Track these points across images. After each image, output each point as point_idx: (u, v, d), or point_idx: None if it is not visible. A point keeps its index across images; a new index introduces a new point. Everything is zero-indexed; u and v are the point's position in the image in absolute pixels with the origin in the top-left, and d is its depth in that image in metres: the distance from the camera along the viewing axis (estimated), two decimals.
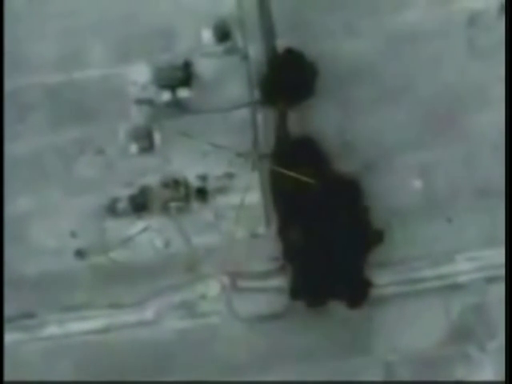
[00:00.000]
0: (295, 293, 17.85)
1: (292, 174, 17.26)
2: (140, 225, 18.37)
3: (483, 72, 18.71)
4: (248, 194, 18.37)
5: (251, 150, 18.28)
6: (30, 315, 18.21)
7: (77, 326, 18.30)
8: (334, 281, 17.61)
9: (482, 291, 18.44)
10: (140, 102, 18.46)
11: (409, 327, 18.29)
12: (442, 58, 18.75)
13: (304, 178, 17.16)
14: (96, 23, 18.59)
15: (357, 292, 17.93)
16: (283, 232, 17.96)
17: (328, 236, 17.40)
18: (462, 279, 18.51)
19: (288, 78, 18.01)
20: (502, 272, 18.33)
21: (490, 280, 18.44)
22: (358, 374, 18.16)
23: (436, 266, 18.49)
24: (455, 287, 18.46)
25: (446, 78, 18.72)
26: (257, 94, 18.50)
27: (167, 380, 18.28)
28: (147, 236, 18.32)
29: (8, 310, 18.07)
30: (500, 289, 18.34)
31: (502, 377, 18.11)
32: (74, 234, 18.26)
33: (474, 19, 18.80)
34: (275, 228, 18.27)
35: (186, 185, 18.35)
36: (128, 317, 18.32)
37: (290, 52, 18.16)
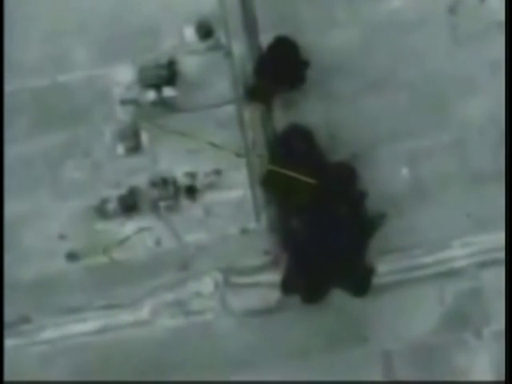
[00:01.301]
0: (287, 287, 17.81)
1: (290, 173, 17.22)
2: (133, 225, 18.37)
3: (468, 59, 18.72)
4: (237, 189, 18.39)
5: (248, 149, 18.30)
6: (25, 320, 18.23)
7: (73, 328, 18.33)
8: (337, 270, 17.49)
9: (477, 276, 18.38)
10: (125, 102, 18.49)
11: (405, 315, 18.26)
12: (426, 46, 18.76)
13: (302, 178, 17.13)
14: (79, 25, 18.64)
15: (361, 279, 17.85)
16: (281, 223, 17.83)
17: (328, 224, 17.29)
18: (456, 265, 18.46)
19: (281, 65, 17.91)
20: (496, 256, 18.39)
21: (485, 265, 18.39)
22: (355, 365, 18.14)
23: (431, 253, 18.45)
24: (450, 273, 18.42)
25: (431, 65, 18.72)
26: (241, 90, 18.52)
27: (166, 379, 18.25)
28: (138, 236, 18.33)
29: (4, 316, 18.07)
30: (495, 273, 18.36)
31: (498, 362, 18.13)
32: (64, 237, 18.28)
33: (455, 6, 18.80)
34: (271, 220, 18.22)
35: (175, 183, 18.37)
36: (124, 317, 18.34)
37: (282, 40, 18.06)
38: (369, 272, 17.98)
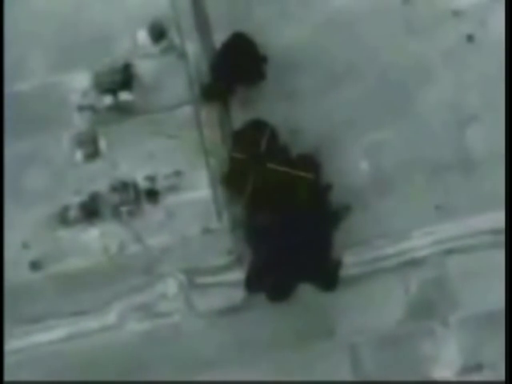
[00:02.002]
0: (251, 286, 17.82)
1: (287, 169, 17.18)
2: (95, 231, 18.38)
3: (423, 48, 18.79)
4: (198, 190, 18.43)
5: (207, 150, 18.28)
6: None
7: (41, 336, 18.36)
8: (304, 265, 17.48)
9: (441, 265, 18.48)
10: (82, 108, 18.50)
11: (371, 307, 18.35)
12: (380, 37, 18.81)
13: (301, 174, 17.09)
14: (32, 34, 18.63)
15: (330, 273, 17.83)
16: (247, 220, 17.81)
17: (293, 218, 17.26)
18: (420, 254, 18.54)
19: (239, 61, 17.85)
20: (459, 244, 18.51)
21: (448, 252, 18.49)
22: (323, 358, 18.24)
23: (394, 243, 18.53)
24: (414, 263, 18.50)
25: (386, 57, 18.78)
26: (197, 90, 18.53)
27: (139, 380, 18.32)
28: (101, 242, 18.35)
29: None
30: (458, 261, 18.48)
31: (465, 349, 18.26)
32: (27, 246, 18.30)
33: None
34: (234, 219, 18.22)
35: (135, 187, 18.39)
36: (91, 323, 18.38)
37: (238, 36, 17.98)
38: (337, 265, 18.02)
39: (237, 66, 17.96)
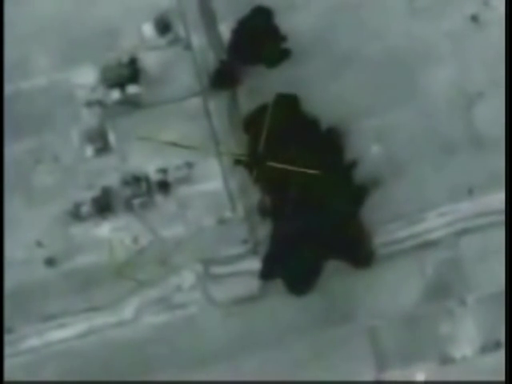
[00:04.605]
0: (266, 275, 17.74)
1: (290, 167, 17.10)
2: (109, 225, 18.31)
3: (428, 30, 18.80)
4: (210, 180, 18.39)
5: (217, 140, 18.26)
6: (7, 330, 18.12)
7: (56, 334, 18.24)
8: (332, 243, 17.34)
9: (456, 245, 18.47)
10: (90, 103, 18.43)
11: (388, 290, 18.33)
12: (384, 21, 18.80)
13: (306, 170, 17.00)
14: (36, 31, 18.53)
15: (364, 249, 17.68)
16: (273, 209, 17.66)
17: (322, 196, 17.19)
18: (435, 236, 18.52)
19: (260, 38, 17.66)
20: (473, 224, 18.52)
21: (462, 233, 18.48)
22: (342, 343, 18.21)
23: (408, 226, 18.50)
24: (429, 245, 18.48)
25: (393, 40, 18.76)
26: (206, 79, 18.48)
27: (156, 378, 18.21)
28: (115, 236, 18.29)
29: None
30: (472, 241, 18.47)
31: (484, 327, 18.26)
32: (41, 244, 18.21)
33: None
34: (253, 207, 18.11)
35: (147, 180, 18.34)
36: (107, 318, 18.28)
37: (259, 10, 17.84)
38: (369, 241, 17.82)
39: (256, 44, 17.72)
